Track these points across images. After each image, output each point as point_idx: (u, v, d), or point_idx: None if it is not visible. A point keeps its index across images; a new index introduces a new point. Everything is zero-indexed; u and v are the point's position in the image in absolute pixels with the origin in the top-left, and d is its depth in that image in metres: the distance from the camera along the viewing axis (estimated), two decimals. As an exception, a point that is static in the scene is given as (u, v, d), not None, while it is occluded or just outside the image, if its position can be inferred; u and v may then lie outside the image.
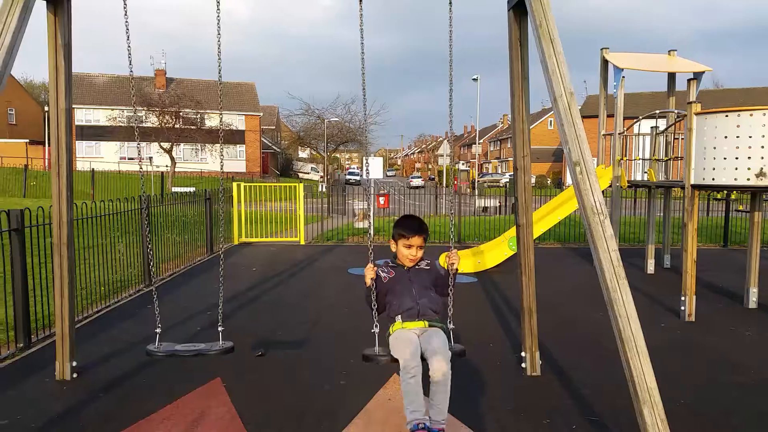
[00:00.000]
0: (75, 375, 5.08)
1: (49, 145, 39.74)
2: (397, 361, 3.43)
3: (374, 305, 3.65)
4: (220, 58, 4.14)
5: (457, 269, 3.61)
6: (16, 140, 48.40)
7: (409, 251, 3.64)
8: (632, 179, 10.43)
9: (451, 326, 3.67)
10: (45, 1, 4.34)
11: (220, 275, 4.67)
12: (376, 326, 3.64)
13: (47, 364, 5.22)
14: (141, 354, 5.34)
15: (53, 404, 4.58)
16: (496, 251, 10.67)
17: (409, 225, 3.67)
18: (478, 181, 47.80)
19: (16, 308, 5.82)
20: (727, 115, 6.83)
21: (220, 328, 4.44)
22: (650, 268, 10.44)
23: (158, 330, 4.34)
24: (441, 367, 3.29)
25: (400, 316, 3.57)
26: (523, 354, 5.30)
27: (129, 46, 4.11)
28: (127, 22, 4.02)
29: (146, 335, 5.75)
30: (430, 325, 3.57)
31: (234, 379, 5.10)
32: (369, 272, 3.60)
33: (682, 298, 7.23)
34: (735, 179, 6.79)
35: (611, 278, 3.34)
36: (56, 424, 4.25)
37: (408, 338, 3.46)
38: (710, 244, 14.21)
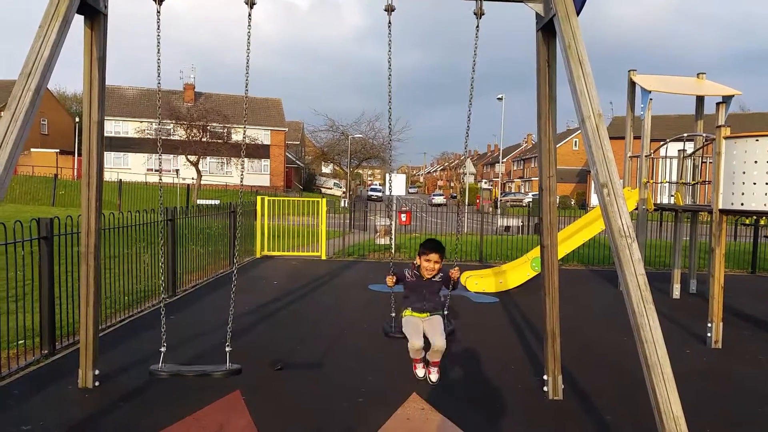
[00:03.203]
0: (97, 383, 5.13)
1: (79, 155, 40.28)
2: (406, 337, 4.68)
3: (392, 299, 5.10)
4: (248, 74, 4.20)
5: (457, 279, 4.76)
6: (47, 150, 49.48)
7: (428, 264, 4.65)
8: (658, 202, 10.29)
9: (446, 312, 4.93)
10: (83, 16, 4.46)
11: (231, 293, 4.72)
12: (394, 311, 5.07)
13: (70, 371, 5.28)
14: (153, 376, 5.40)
15: (75, 412, 4.62)
16: (519, 271, 10.58)
17: (429, 245, 4.76)
18: (501, 200, 47.56)
19: (42, 315, 5.91)
20: (757, 140, 6.72)
21: (227, 349, 4.45)
22: (676, 292, 10.25)
23: (163, 349, 4.35)
24: (439, 342, 4.54)
25: (410, 308, 4.76)
26: (545, 377, 5.21)
27: (159, 61, 4.20)
28: (159, 36, 4.11)
29: (169, 346, 5.79)
30: (430, 315, 4.75)
31: (253, 393, 5.10)
32: (389, 281, 4.76)
33: (709, 325, 7.08)
34: (765, 204, 6.65)
35: (638, 303, 3.28)
36: (77, 432, 4.29)
37: (415, 323, 4.70)
38: (738, 270, 13.91)
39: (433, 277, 4.69)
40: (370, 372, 5.75)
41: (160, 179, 4.68)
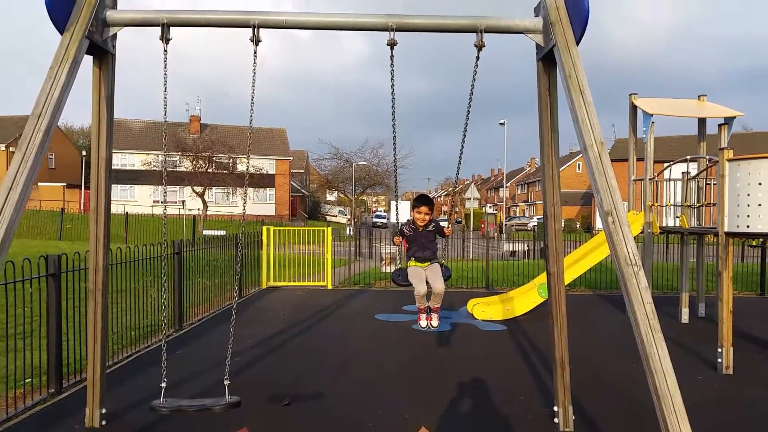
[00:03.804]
0: (104, 422, 5.09)
1: (86, 189, 40.50)
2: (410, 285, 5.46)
3: (398, 252, 5.77)
4: (252, 110, 4.27)
5: (446, 232, 5.56)
6: (54, 184, 49.92)
7: (418, 215, 5.46)
8: (664, 225, 10.27)
9: (442, 261, 5.61)
10: (91, 56, 4.55)
11: (231, 327, 4.72)
12: (400, 261, 5.75)
13: (77, 410, 5.26)
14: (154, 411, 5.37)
15: (82, 451, 4.59)
16: (526, 298, 10.52)
17: (418, 200, 5.58)
18: (506, 224, 47.52)
19: (49, 353, 5.90)
20: (761, 161, 6.72)
21: (226, 382, 4.44)
22: (684, 317, 10.16)
23: (163, 384, 4.34)
24: (439, 286, 5.37)
25: (414, 257, 5.51)
26: (555, 408, 5.16)
27: (165, 99, 4.27)
28: (165, 75, 4.19)
29: (175, 381, 5.78)
30: (430, 263, 5.51)
31: (261, 428, 5.06)
32: (397, 240, 5.54)
33: (719, 350, 7.01)
34: (771, 227, 6.63)
35: (646, 332, 3.27)
36: (85, 472, 4.25)
37: (418, 272, 5.44)
38: (746, 292, 13.80)
39: (427, 227, 5.50)
40: (378, 404, 5.70)
41: (164, 216, 4.72)
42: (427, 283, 5.42)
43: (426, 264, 5.51)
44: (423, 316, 5.60)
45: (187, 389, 5.99)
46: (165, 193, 4.73)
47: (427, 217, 5.51)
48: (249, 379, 6.49)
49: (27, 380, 5.92)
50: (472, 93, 4.53)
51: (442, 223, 5.82)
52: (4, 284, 5.32)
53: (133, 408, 5.50)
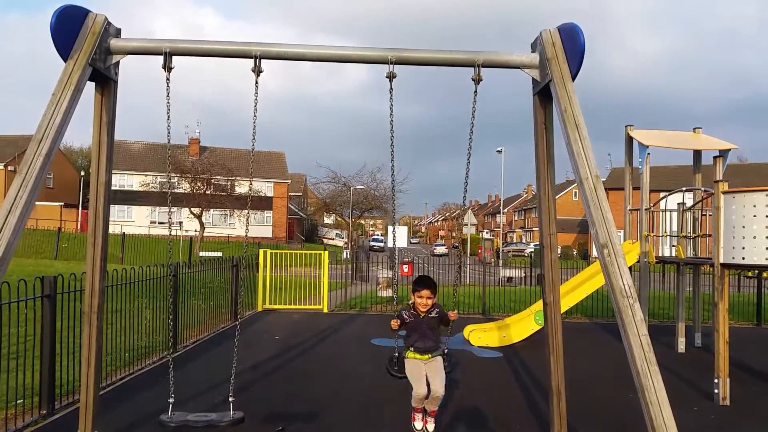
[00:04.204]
0: (96, 445, 5.04)
1: (83, 209, 40.42)
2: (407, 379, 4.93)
3: (395, 340, 5.07)
4: (254, 140, 4.32)
5: (451, 321, 5.03)
6: (51, 203, 49.86)
7: (420, 300, 4.93)
8: (660, 255, 10.31)
9: (446, 350, 5.05)
10: (94, 82, 4.61)
11: (235, 345, 4.72)
12: (397, 352, 5.09)
13: (69, 432, 5.21)
14: (162, 425, 5.32)
15: (73, 476, 4.54)
16: (522, 325, 10.50)
17: (420, 282, 5.06)
18: (503, 250, 47.54)
19: (42, 374, 5.87)
20: (755, 194, 6.79)
21: (231, 399, 4.53)
22: (681, 346, 10.15)
23: (171, 400, 4.38)
24: (439, 389, 4.82)
25: (413, 348, 4.95)
26: (550, 437, 5.13)
27: (168, 127, 4.33)
28: (168, 103, 4.25)
29: (168, 405, 5.72)
30: (431, 357, 4.96)
31: (254, 455, 5.01)
32: (394, 324, 4.93)
33: (716, 381, 6.99)
34: (766, 258, 6.67)
35: (642, 364, 3.28)
36: (75, 498, 4.20)
37: (418, 368, 4.89)
38: (743, 322, 13.79)
39: (429, 312, 4.95)
40: (372, 429, 5.66)
41: (170, 239, 4.74)
42: (426, 382, 4.86)
43: (427, 357, 4.93)
44: (419, 416, 5.07)
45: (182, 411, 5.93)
46: (170, 215, 4.76)
47: (430, 302, 4.95)
48: (243, 402, 6.41)
49: (18, 401, 5.88)
50: (472, 127, 4.51)
51: (444, 312, 5.13)
52: (-1, 305, 5.31)
53: (126, 431, 5.45)
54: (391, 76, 4.26)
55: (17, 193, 3.66)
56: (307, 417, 6.08)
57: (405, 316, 4.96)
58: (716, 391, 6.98)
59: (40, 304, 5.91)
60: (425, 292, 4.95)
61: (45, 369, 5.87)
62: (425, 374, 4.84)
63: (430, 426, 5.04)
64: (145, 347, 8.51)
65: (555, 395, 5.07)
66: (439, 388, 4.81)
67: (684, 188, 10.64)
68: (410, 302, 5.05)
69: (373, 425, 5.84)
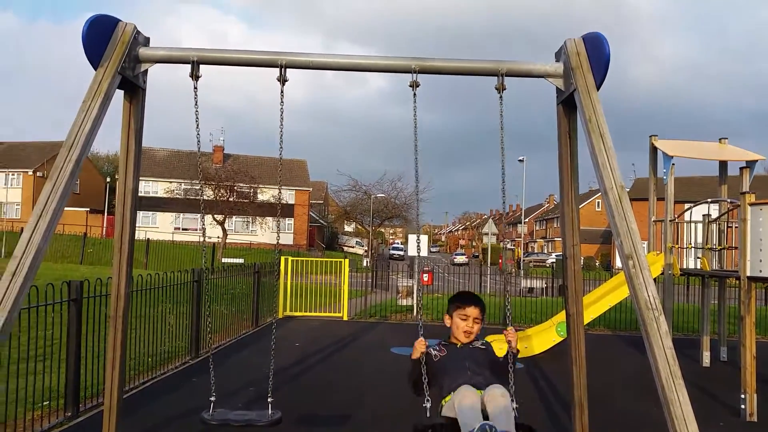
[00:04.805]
0: (119, 449, 5.11)
1: (109, 215, 41.16)
2: (452, 420, 3.18)
3: (425, 377, 3.37)
4: (281, 149, 4.37)
5: (517, 349, 3.53)
6: (78, 209, 50.80)
7: (465, 323, 3.55)
8: (685, 267, 10.16)
9: (515, 405, 3.35)
10: (123, 91, 4.70)
11: (272, 348, 4.74)
12: (428, 400, 3.37)
13: (93, 435, 5.29)
14: (184, 428, 5.38)
15: (97, 478, 4.60)
16: (544, 336, 10.41)
17: (466, 297, 3.68)
18: (524, 260, 47.20)
19: (68, 377, 5.97)
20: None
21: (269, 399, 4.53)
22: (706, 360, 9.97)
23: (213, 398, 4.44)
24: (498, 390, 3.18)
25: (452, 393, 3.29)
26: (572, 450, 5.06)
27: (198, 135, 4.40)
28: (197, 111, 4.32)
29: (189, 409, 5.78)
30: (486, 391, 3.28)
31: (275, 461, 5.03)
32: (419, 346, 3.39)
33: (742, 396, 6.85)
34: (795, 272, 6.55)
35: (666, 377, 3.23)
36: (98, 499, 4.26)
37: (465, 393, 3.20)
38: (771, 337, 13.50)
39: (471, 343, 3.59)
40: (393, 441, 5.66)
41: (203, 243, 4.80)
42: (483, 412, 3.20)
43: (479, 392, 3.30)
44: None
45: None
46: (203, 222, 4.82)
47: (476, 327, 3.58)
48: (262, 408, 6.47)
49: (45, 403, 5.98)
50: (502, 136, 4.42)
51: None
52: (27, 308, 5.41)
53: (148, 436, 5.52)
54: (414, 85, 4.27)
55: (48, 199, 3.74)
56: (326, 425, 6.10)
57: (433, 353, 3.52)
58: (743, 406, 6.84)
59: (67, 308, 6.02)
60: (472, 311, 3.56)
61: (71, 371, 5.96)
62: (480, 403, 3.24)
63: None
64: (168, 352, 8.60)
65: (577, 408, 5.01)
66: (499, 389, 3.27)
67: (710, 199, 10.48)
68: (441, 342, 3.69)
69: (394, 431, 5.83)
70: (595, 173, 3.85)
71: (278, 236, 5.19)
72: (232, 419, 4.28)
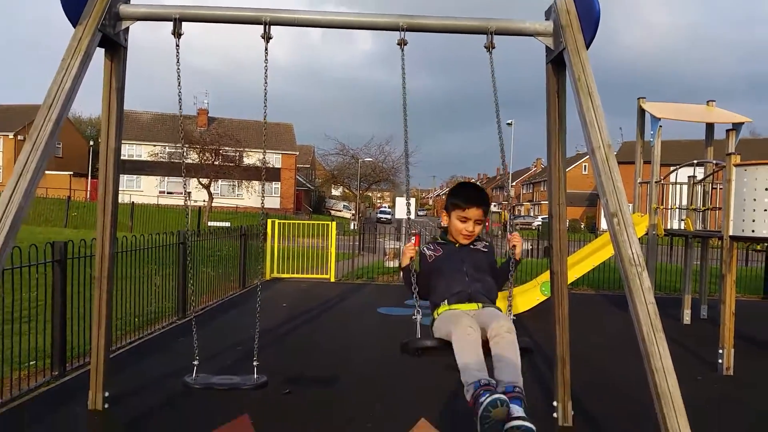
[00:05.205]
0: (107, 405, 5.16)
1: (92, 178, 40.71)
2: (445, 345, 2.83)
3: (414, 288, 3.09)
4: (266, 107, 4.30)
5: (520, 255, 3.25)
6: (61, 172, 50.14)
7: (464, 225, 3.11)
8: (669, 227, 10.28)
9: (511, 317, 3.08)
10: (103, 49, 4.59)
11: (257, 311, 4.74)
12: (418, 312, 3.04)
13: (80, 393, 5.32)
14: (171, 387, 5.43)
15: (86, 434, 4.65)
16: (528, 296, 10.54)
17: (467, 194, 3.15)
18: (510, 223, 47.48)
19: (53, 337, 5.97)
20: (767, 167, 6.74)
21: (255, 363, 4.50)
22: (686, 318, 10.18)
23: (196, 362, 4.43)
24: (503, 324, 2.73)
25: (447, 300, 3.01)
26: (555, 404, 5.20)
27: (180, 94, 4.31)
28: (179, 70, 4.23)
29: (177, 368, 5.82)
30: (483, 306, 2.99)
31: (261, 417, 5.11)
32: (408, 251, 3.11)
33: (720, 351, 7.03)
34: (776, 232, 6.64)
35: (648, 331, 3.29)
36: (88, 455, 4.31)
37: (458, 313, 2.89)
38: (750, 296, 13.79)
39: (473, 244, 3.21)
40: (378, 397, 5.75)
41: (187, 206, 4.76)
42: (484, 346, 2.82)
43: (474, 306, 3.00)
44: (486, 396, 2.56)
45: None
46: (185, 184, 4.76)
47: (477, 229, 3.18)
48: (249, 368, 6.54)
49: (31, 363, 5.99)
50: (496, 94, 4.34)
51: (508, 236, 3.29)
52: (11, 269, 5.38)
53: (135, 393, 5.56)
54: (402, 43, 4.20)
55: (27, 158, 3.68)
56: (313, 382, 6.18)
57: (427, 252, 3.19)
58: (720, 361, 7.02)
59: (51, 270, 5.99)
60: (473, 212, 3.09)
61: (56, 332, 5.97)
62: (474, 322, 2.84)
63: (518, 410, 2.63)
64: (155, 313, 8.62)
65: (560, 363, 5.13)
66: (504, 325, 2.76)
67: (695, 161, 10.55)
68: (438, 237, 3.34)
69: (380, 393, 5.92)
70: (583, 132, 3.85)
71: (263, 199, 5.15)
72: (216, 383, 4.28)
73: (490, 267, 3.20)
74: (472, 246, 3.18)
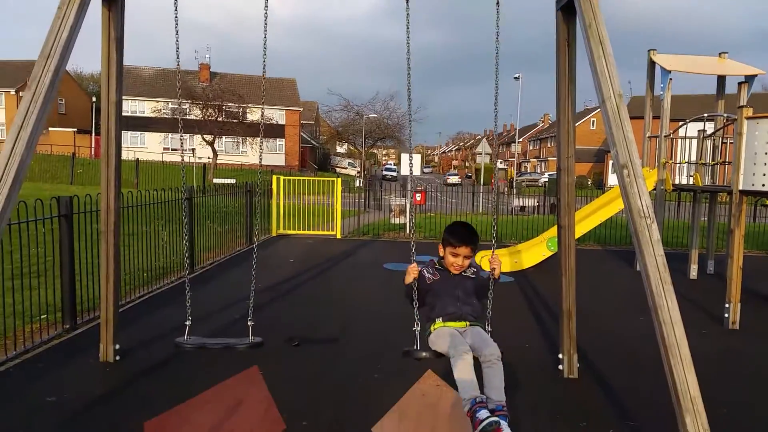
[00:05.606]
0: (117, 357, 5.24)
1: (96, 135, 40.64)
2: (440, 355, 3.53)
3: (416, 303, 3.67)
4: (265, 57, 4.20)
5: (498, 275, 3.73)
6: (65, 129, 49.94)
7: (455, 260, 3.66)
8: (677, 183, 10.19)
9: (489, 329, 3.75)
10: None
11: (253, 268, 4.74)
12: (417, 324, 3.67)
13: (91, 345, 5.40)
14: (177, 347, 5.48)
15: (97, 385, 4.73)
16: (534, 251, 10.56)
17: (459, 234, 3.67)
18: (517, 180, 47.33)
19: (63, 291, 6.03)
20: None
21: (250, 323, 4.51)
22: (693, 273, 10.19)
23: (188, 322, 4.43)
24: (493, 352, 3.38)
25: (442, 317, 3.65)
26: (560, 356, 5.24)
27: (177, 40, 4.21)
28: (176, 18, 4.12)
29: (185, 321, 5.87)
30: (470, 325, 3.68)
31: (271, 368, 5.17)
32: (412, 272, 3.64)
33: (726, 305, 7.04)
34: (787, 186, 6.56)
35: (656, 283, 3.27)
36: (100, 404, 4.40)
37: (451, 332, 3.55)
38: (756, 251, 13.77)
39: (463, 272, 3.73)
40: (386, 350, 5.80)
41: (182, 158, 4.71)
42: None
43: (463, 324, 3.63)
44: (484, 412, 3.16)
45: (200, 330, 6.10)
46: (181, 138, 4.69)
47: (466, 263, 3.68)
48: (258, 321, 6.55)
49: (42, 316, 6.07)
50: (498, 45, 4.22)
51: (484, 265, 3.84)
52: (18, 223, 5.38)
53: (145, 345, 5.63)
54: (407, -9, 4.07)
55: (28, 108, 3.62)
56: (321, 335, 6.24)
57: (426, 275, 3.69)
58: (726, 315, 7.04)
59: (58, 224, 5.99)
60: (463, 250, 3.61)
61: (66, 286, 6.02)
62: (463, 339, 3.53)
63: (505, 427, 3.18)
64: (163, 268, 8.68)
65: (566, 316, 5.15)
66: (490, 347, 3.41)
67: (705, 114, 10.38)
68: (436, 259, 3.83)
69: (387, 346, 5.98)
70: (594, 82, 3.75)
71: (261, 154, 4.99)
72: (209, 343, 4.30)
73: (475, 289, 3.76)
74: (463, 274, 3.73)
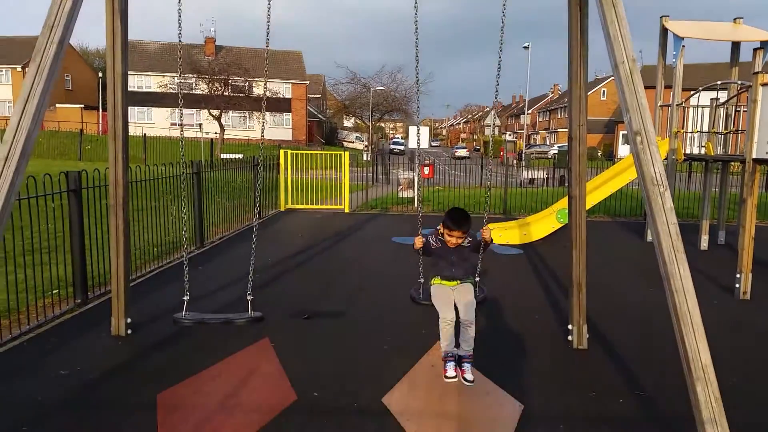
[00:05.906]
0: (129, 331, 5.28)
1: (103, 111, 40.45)
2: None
3: (421, 264, 4.72)
4: (268, 30, 4.13)
5: (489, 241, 4.46)
6: (72, 105, 49.88)
7: (450, 238, 4.37)
8: (689, 152, 10.06)
9: (477, 279, 4.57)
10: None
11: (252, 244, 4.74)
12: (422, 278, 4.72)
13: (103, 319, 5.45)
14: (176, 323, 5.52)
15: (109, 358, 4.78)
16: (543, 223, 10.51)
17: (454, 220, 4.37)
18: (526, 152, 46.98)
19: (74, 266, 6.06)
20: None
21: (249, 297, 4.53)
22: (704, 244, 10.11)
23: (186, 298, 4.43)
24: (469, 318, 4.24)
25: (439, 276, 4.47)
26: (570, 327, 5.23)
27: (180, 9, 4.15)
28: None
29: (197, 296, 5.91)
30: (460, 283, 4.44)
31: (281, 340, 5.21)
32: (417, 242, 4.47)
33: (738, 276, 6.99)
34: (802, 154, 6.45)
35: (669, 252, 3.23)
36: (112, 377, 4.44)
37: (445, 293, 4.38)
38: (767, 222, 13.64)
39: (460, 243, 4.41)
40: (395, 322, 5.82)
41: (182, 132, 4.68)
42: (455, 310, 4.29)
43: (455, 283, 4.41)
44: (451, 365, 4.19)
45: (210, 303, 6.15)
46: (182, 114, 4.65)
47: (460, 241, 4.37)
48: (269, 295, 6.64)
49: (54, 291, 6.12)
50: (504, 8, 4.17)
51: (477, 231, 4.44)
52: (27, 198, 5.38)
53: (157, 319, 5.67)
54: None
55: (33, 81, 3.58)
56: (331, 310, 6.26)
57: (431, 242, 4.46)
58: (737, 285, 7.00)
59: (67, 199, 6.00)
60: (456, 233, 4.32)
61: (76, 261, 6.05)
62: (453, 300, 4.30)
63: (469, 375, 4.16)
64: (173, 242, 8.71)
65: (575, 287, 5.12)
66: (468, 314, 4.22)
67: (719, 82, 10.20)
68: (439, 230, 4.45)
69: (396, 319, 6.00)
70: (606, 46, 3.66)
71: (263, 127, 4.98)
72: (208, 319, 4.30)
73: (469, 256, 4.51)
74: (459, 245, 4.43)
